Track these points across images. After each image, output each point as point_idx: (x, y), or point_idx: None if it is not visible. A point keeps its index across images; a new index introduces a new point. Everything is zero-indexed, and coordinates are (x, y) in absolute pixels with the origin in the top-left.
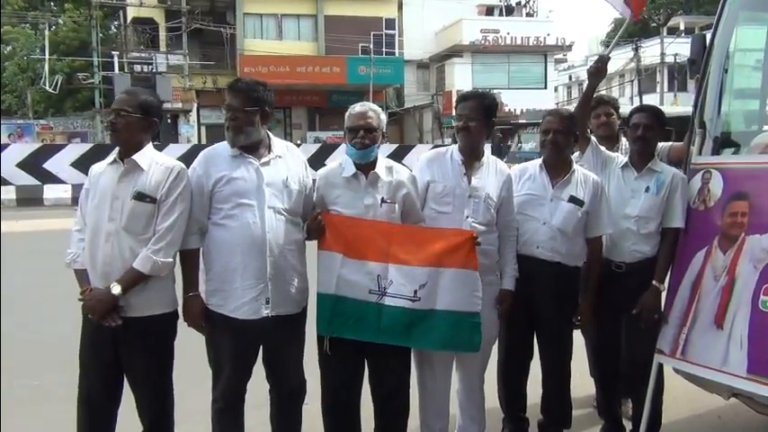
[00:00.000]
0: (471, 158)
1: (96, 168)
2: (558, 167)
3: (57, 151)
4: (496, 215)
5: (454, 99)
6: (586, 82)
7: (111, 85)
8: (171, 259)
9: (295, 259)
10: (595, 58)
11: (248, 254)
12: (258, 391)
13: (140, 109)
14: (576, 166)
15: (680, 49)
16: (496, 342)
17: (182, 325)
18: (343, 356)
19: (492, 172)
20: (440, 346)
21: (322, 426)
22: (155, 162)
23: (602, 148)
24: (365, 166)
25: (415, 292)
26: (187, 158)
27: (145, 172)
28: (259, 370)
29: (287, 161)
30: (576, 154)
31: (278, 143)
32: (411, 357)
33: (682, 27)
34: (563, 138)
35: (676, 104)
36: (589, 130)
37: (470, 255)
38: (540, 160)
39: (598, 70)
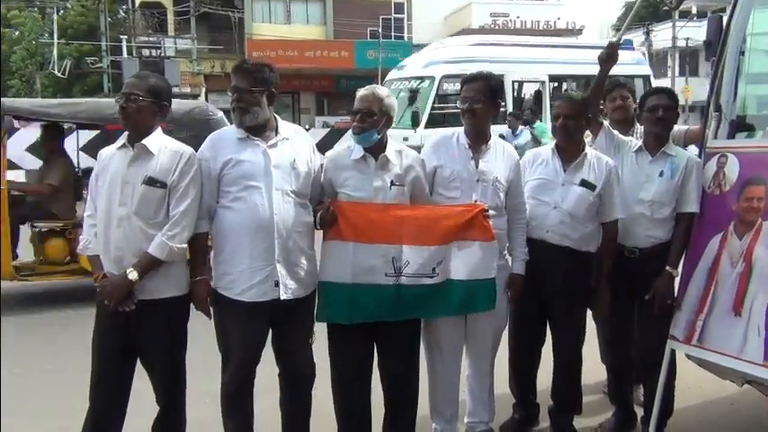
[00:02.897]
0: (478, 142)
1: (105, 153)
2: (570, 151)
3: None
4: (505, 198)
5: None
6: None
7: (120, 70)
8: (186, 244)
9: (303, 241)
10: (606, 43)
11: (256, 236)
12: (268, 376)
13: (151, 93)
14: (588, 149)
15: (692, 33)
16: (507, 327)
17: (192, 309)
18: (353, 341)
19: (500, 155)
20: (457, 312)
21: (331, 410)
22: (164, 147)
23: (615, 133)
24: (374, 149)
25: (433, 269)
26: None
27: (155, 156)
28: (269, 355)
29: (294, 143)
30: (589, 139)
31: (285, 126)
32: (420, 342)
33: (694, 11)
34: (573, 123)
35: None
36: (603, 114)
37: (484, 227)
38: (552, 145)
39: (609, 56)
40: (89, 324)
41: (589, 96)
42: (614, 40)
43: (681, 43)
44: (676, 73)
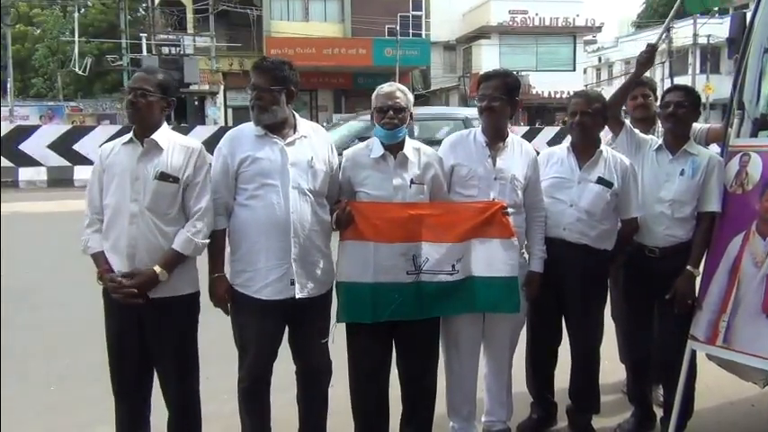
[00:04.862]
0: (495, 139)
1: (107, 148)
2: (585, 150)
3: (86, 133)
4: (523, 196)
5: None
6: (615, 64)
7: (140, 68)
8: (208, 240)
9: (320, 240)
10: (626, 40)
11: (272, 234)
12: (285, 372)
13: (159, 88)
14: (603, 146)
15: (713, 30)
16: (525, 326)
17: (209, 305)
18: (372, 340)
19: (517, 153)
20: (480, 309)
21: (349, 407)
22: (173, 142)
23: (636, 131)
24: (393, 147)
25: (453, 266)
26: (214, 140)
27: (164, 151)
28: (286, 352)
29: (312, 141)
30: (609, 137)
31: (303, 123)
32: (439, 341)
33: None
34: (590, 119)
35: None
36: (624, 113)
37: (503, 224)
38: (567, 143)
39: (648, 60)
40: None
41: (614, 96)
42: (653, 42)
43: (702, 40)
44: (697, 70)
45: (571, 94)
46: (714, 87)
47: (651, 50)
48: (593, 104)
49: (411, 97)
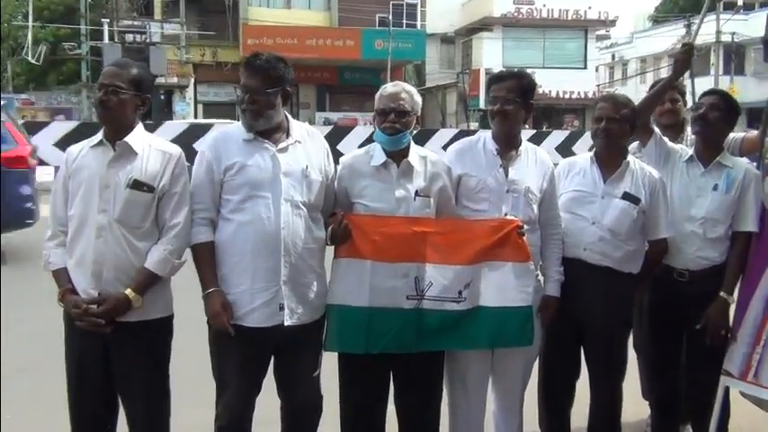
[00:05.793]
0: (507, 147)
1: (75, 151)
2: (611, 160)
3: (38, 129)
4: (538, 211)
5: (482, 78)
6: (630, 62)
7: (100, 57)
8: (185, 259)
9: (313, 259)
10: (642, 36)
11: (260, 253)
12: (269, 406)
13: (133, 84)
14: (630, 157)
15: (738, 26)
16: (538, 358)
17: (179, 332)
18: (367, 371)
19: (531, 162)
20: (488, 345)
21: None
22: (148, 145)
23: (666, 140)
24: (397, 155)
25: (460, 292)
26: (184, 139)
27: (139, 156)
28: (270, 383)
29: (306, 147)
30: (635, 144)
31: (297, 126)
32: (443, 374)
33: (740, 2)
34: (618, 127)
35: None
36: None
37: (518, 245)
38: (591, 153)
39: (687, 60)
40: None
41: (645, 101)
42: (689, 40)
43: (726, 38)
44: (720, 71)
45: (581, 94)
46: (738, 90)
47: (689, 49)
48: (621, 110)
49: (418, 99)
